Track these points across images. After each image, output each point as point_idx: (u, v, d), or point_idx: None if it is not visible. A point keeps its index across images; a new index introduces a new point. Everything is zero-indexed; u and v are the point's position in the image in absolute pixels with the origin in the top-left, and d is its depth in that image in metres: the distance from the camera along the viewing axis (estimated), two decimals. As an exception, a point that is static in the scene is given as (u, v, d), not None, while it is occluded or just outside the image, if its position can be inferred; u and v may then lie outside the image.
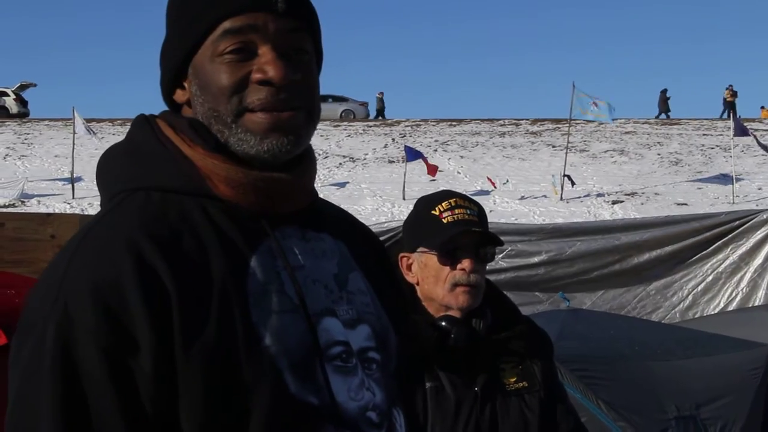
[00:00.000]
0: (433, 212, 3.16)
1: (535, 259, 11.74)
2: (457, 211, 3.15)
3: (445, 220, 3.13)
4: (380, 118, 53.18)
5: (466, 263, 3.09)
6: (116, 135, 39.81)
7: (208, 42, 1.71)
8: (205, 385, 1.58)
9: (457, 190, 3.43)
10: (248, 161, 1.71)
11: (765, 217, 12.14)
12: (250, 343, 1.61)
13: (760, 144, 31.46)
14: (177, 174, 1.71)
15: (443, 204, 3.17)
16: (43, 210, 25.80)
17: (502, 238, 3.48)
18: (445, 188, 3.59)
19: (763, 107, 50.84)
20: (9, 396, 1.59)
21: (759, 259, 12.01)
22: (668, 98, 51.36)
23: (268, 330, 1.63)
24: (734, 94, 49.78)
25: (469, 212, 3.16)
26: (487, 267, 3.22)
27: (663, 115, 49.92)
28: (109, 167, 1.79)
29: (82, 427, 1.54)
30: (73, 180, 31.75)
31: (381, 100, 55.82)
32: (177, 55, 1.77)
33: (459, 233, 3.10)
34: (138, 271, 1.57)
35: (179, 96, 1.80)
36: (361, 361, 1.73)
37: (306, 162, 1.79)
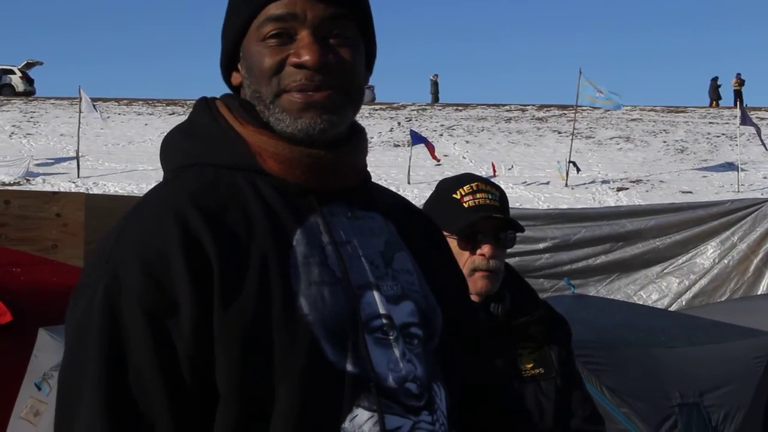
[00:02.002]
0: (454, 195, 3.18)
1: (540, 245, 11.84)
2: (478, 195, 3.16)
3: (466, 205, 3.14)
4: (435, 102, 51.25)
5: (485, 249, 3.11)
6: (121, 114, 40.06)
7: (253, 27, 1.80)
8: (242, 348, 1.63)
9: None
10: (295, 140, 1.77)
11: (768, 206, 12.18)
12: (287, 311, 1.67)
13: (761, 139, 31.52)
14: (229, 150, 1.80)
15: (465, 188, 3.18)
16: (48, 188, 25.90)
17: (512, 223, 3.49)
18: (465, 173, 3.58)
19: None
20: (64, 350, 1.70)
21: (765, 248, 12.03)
22: (719, 86, 50.84)
23: (307, 299, 1.68)
24: (741, 83, 49.75)
25: (490, 197, 3.17)
26: None
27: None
28: (169, 146, 1.88)
29: (122, 380, 1.62)
30: (78, 158, 31.80)
31: (435, 83, 53.52)
32: (228, 38, 1.86)
33: (480, 219, 3.12)
34: (182, 240, 1.66)
35: (235, 78, 1.88)
36: (404, 335, 1.77)
37: (355, 141, 1.87)
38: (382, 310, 1.75)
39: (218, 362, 1.63)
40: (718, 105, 48.50)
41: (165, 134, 1.92)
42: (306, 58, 1.73)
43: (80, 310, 1.67)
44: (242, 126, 1.80)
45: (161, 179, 1.85)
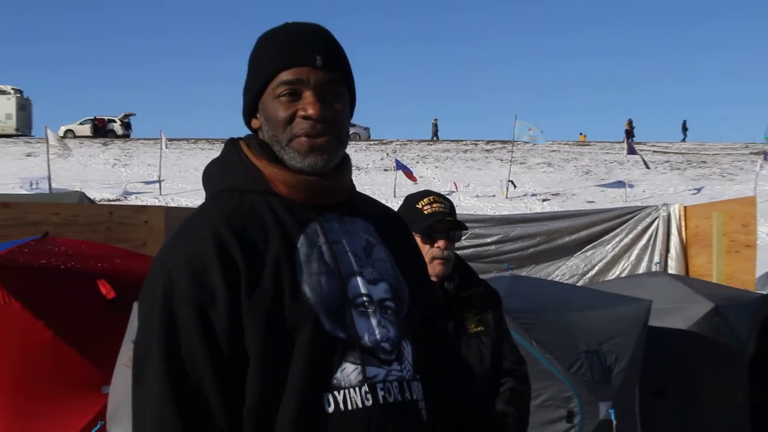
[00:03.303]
0: (417, 206, 3.15)
1: (487, 240, 11.69)
2: (434, 205, 3.14)
3: (425, 212, 3.11)
4: (435, 138, 50.19)
5: (440, 243, 3.09)
6: (190, 150, 39.71)
7: (270, 87, 1.77)
8: (263, 325, 1.64)
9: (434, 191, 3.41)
10: (299, 171, 1.76)
11: (647, 212, 12.11)
12: (295, 296, 1.66)
13: (644, 161, 31.64)
14: (250, 179, 1.77)
15: (424, 200, 3.16)
16: (139, 203, 25.74)
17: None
18: (425, 189, 3.57)
19: (581, 134, 50.16)
20: (137, 329, 1.71)
21: (642, 242, 11.98)
22: (633, 127, 50.05)
23: (309, 286, 1.68)
24: (631, 125, 49.56)
25: (443, 206, 3.15)
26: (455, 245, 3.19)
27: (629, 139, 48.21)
28: (208, 175, 1.86)
29: (176, 351, 1.63)
30: (160, 182, 31.66)
31: (435, 125, 52.65)
32: (250, 95, 1.81)
33: (435, 221, 3.09)
34: (217, 249, 1.65)
35: (254, 123, 1.84)
36: (380, 308, 1.75)
37: (342, 169, 1.82)
38: (363, 290, 1.74)
39: (247, 336, 1.63)
40: (631, 139, 47.63)
41: (207, 164, 1.90)
42: (311, 112, 1.72)
43: (147, 301, 1.68)
44: (259, 161, 1.78)
45: (204, 199, 1.83)
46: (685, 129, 50.41)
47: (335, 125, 1.76)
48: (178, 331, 1.62)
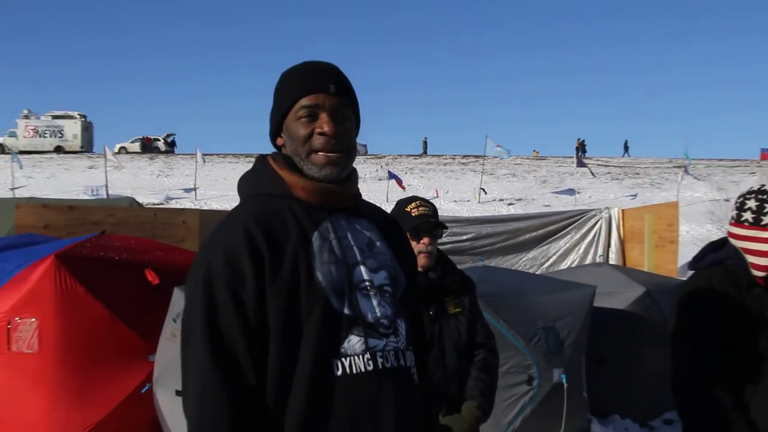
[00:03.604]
0: (406, 209, 3.13)
1: (463, 237, 11.70)
2: (420, 208, 3.11)
3: (413, 214, 3.09)
4: (424, 153, 49.02)
5: (425, 239, 3.07)
6: (220, 163, 39.61)
7: (292, 111, 1.78)
8: (283, 303, 1.63)
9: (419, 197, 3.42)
10: (316, 179, 1.76)
11: (593, 214, 12.13)
12: (309, 280, 1.66)
13: (591, 172, 31.73)
14: (275, 186, 1.78)
15: (412, 204, 3.14)
16: (178, 206, 25.70)
17: (445, 224, 3.48)
18: (412, 195, 3.56)
19: (534, 150, 48.98)
20: (184, 307, 1.71)
21: (589, 238, 11.97)
22: (584, 144, 49.19)
23: (321, 273, 1.68)
24: (581, 143, 49.35)
25: (427, 209, 3.13)
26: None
27: (581, 153, 47.27)
28: (242, 183, 1.85)
29: (215, 323, 1.63)
30: (195, 189, 31.61)
31: (425, 142, 51.17)
32: (276, 118, 1.82)
33: (421, 222, 3.07)
34: (247, 242, 1.65)
35: (279, 141, 1.84)
36: (380, 291, 1.74)
37: (351, 180, 1.83)
38: (366, 277, 1.73)
39: (269, 312, 1.62)
40: (584, 155, 46.82)
41: (241, 175, 1.91)
42: (326, 129, 1.73)
43: (193, 281, 1.68)
44: (282, 171, 1.78)
45: (239, 202, 1.83)
46: (626, 147, 50.13)
47: (346, 140, 1.77)
48: (217, 308, 1.63)
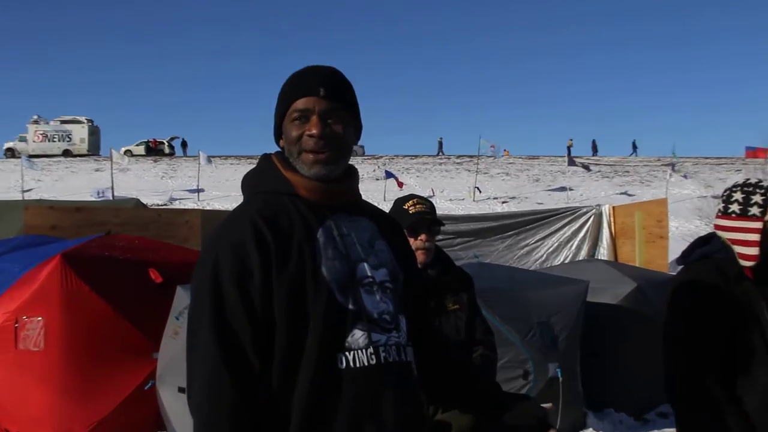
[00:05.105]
0: (404, 207, 3.12)
1: (459, 233, 11.78)
2: (417, 206, 3.11)
3: (410, 211, 3.08)
4: (441, 153, 48.09)
5: (423, 236, 3.06)
6: (223, 165, 39.60)
7: (288, 114, 1.79)
8: (288, 296, 1.63)
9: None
10: (315, 179, 1.77)
11: (584, 211, 12.15)
12: (315, 275, 1.66)
13: (585, 167, 31.74)
14: (279, 184, 1.78)
15: (409, 202, 3.13)
16: (181, 207, 25.69)
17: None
18: (410, 193, 3.55)
19: (506, 150, 48.27)
20: (191, 297, 1.70)
21: (581, 234, 11.99)
22: (596, 145, 49.08)
23: (326, 268, 1.68)
24: (571, 143, 49.19)
25: (425, 207, 3.12)
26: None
27: (594, 155, 47.23)
28: (246, 181, 1.86)
29: (222, 316, 1.62)
30: (198, 190, 31.59)
31: (440, 143, 49.83)
32: (276, 121, 1.84)
33: (418, 219, 3.06)
34: (254, 234, 1.65)
35: (281, 143, 1.84)
36: (381, 288, 1.74)
37: (351, 178, 1.85)
38: (369, 273, 1.73)
39: (275, 304, 1.62)
40: (596, 154, 46.77)
41: (244, 174, 1.91)
42: (314, 131, 1.73)
43: (200, 274, 1.67)
44: (285, 171, 1.78)
45: (242, 200, 1.83)
46: (635, 146, 49.68)
47: (335, 142, 1.76)
48: (224, 298, 1.62)
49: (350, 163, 1.87)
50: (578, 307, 6.14)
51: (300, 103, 1.75)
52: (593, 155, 47.64)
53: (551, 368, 5.68)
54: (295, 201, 1.75)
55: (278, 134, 1.85)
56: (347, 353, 1.65)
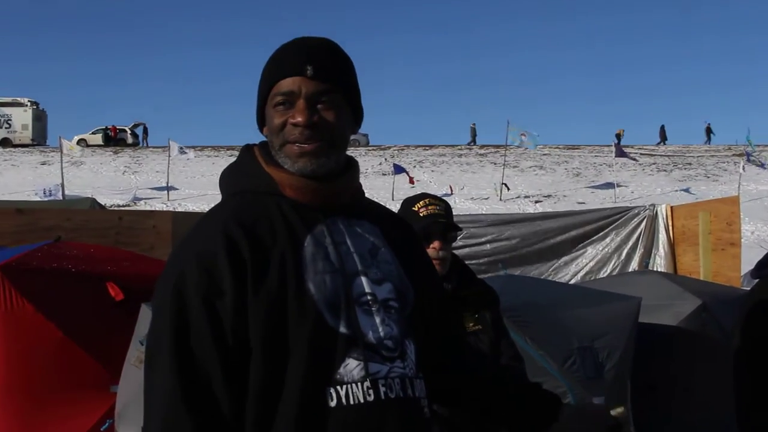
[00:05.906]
0: (413, 208, 3.13)
1: (482, 239, 11.77)
2: (429, 207, 3.12)
3: (421, 214, 3.09)
4: (473, 143, 48.52)
5: (435, 244, 3.07)
6: (200, 158, 39.77)
7: (270, 97, 1.78)
8: (266, 318, 1.63)
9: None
10: (303, 175, 1.77)
11: (636, 212, 12.16)
12: (299, 292, 1.66)
13: (633, 158, 31.76)
14: (261, 182, 1.79)
15: (420, 203, 3.14)
16: (147, 208, 25.78)
17: (460, 225, 3.46)
18: (422, 192, 3.57)
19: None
20: (151, 319, 1.71)
21: (632, 241, 11.99)
22: (664, 131, 49.39)
23: (314, 283, 1.67)
24: (621, 132, 49.17)
25: (438, 208, 3.13)
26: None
27: (662, 143, 47.71)
28: (224, 178, 1.88)
29: (185, 343, 1.62)
30: (168, 188, 31.70)
31: (474, 129, 50.18)
32: (259, 104, 1.84)
33: (430, 223, 3.07)
34: (226, 245, 1.65)
35: (265, 132, 1.85)
36: (384, 307, 1.73)
37: (348, 173, 1.83)
38: (367, 290, 1.72)
39: (251, 329, 1.62)
40: (665, 144, 47.19)
41: (223, 169, 1.92)
42: (299, 119, 1.72)
43: (161, 293, 1.67)
44: (268, 166, 1.79)
45: (219, 200, 1.84)
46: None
47: (326, 131, 1.75)
48: (189, 322, 1.62)
49: (350, 155, 1.87)
50: (629, 330, 6.12)
51: (283, 85, 1.74)
52: (661, 143, 47.50)
53: (596, 403, 5.66)
54: (280, 202, 1.74)
55: (262, 121, 1.85)
56: (338, 387, 1.64)
